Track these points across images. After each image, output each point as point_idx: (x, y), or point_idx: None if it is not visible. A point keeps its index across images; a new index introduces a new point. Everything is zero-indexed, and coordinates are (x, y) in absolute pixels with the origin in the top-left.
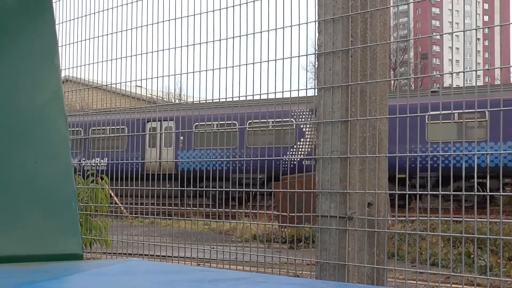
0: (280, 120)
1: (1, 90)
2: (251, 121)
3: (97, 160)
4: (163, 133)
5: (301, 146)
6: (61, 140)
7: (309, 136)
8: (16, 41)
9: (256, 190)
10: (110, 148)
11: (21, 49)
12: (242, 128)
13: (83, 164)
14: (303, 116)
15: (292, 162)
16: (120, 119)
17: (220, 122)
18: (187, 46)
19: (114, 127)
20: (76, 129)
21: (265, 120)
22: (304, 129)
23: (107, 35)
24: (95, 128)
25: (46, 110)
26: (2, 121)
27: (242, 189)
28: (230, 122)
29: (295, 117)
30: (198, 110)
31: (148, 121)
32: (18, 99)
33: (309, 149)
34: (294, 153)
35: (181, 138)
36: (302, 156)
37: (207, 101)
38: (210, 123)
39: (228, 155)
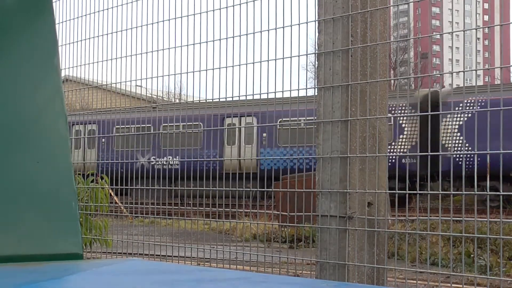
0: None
1: (1, 90)
2: None
3: (169, 158)
4: (243, 129)
5: (400, 143)
6: (61, 140)
7: (409, 132)
8: (16, 41)
9: (256, 189)
10: (183, 146)
11: (21, 49)
12: None
13: (153, 163)
14: (403, 111)
15: (389, 160)
16: (193, 115)
17: (308, 118)
18: (187, 45)
19: (187, 123)
20: (147, 125)
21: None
22: (403, 125)
23: (107, 34)
24: (166, 124)
25: (46, 110)
26: (2, 121)
27: (242, 189)
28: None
29: (393, 112)
30: (281, 105)
31: (227, 117)
32: (18, 99)
33: (409, 146)
34: (392, 150)
35: (264, 135)
36: (401, 153)
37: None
38: (296, 118)
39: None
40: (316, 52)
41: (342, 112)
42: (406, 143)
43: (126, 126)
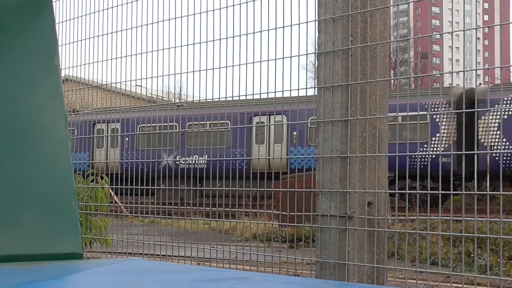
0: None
1: (1, 89)
2: None
3: (195, 157)
4: (272, 128)
5: (436, 142)
6: (61, 140)
7: (445, 130)
8: (16, 41)
9: (256, 189)
10: (210, 145)
11: (21, 49)
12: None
13: (179, 162)
14: (439, 109)
15: (424, 160)
16: (219, 113)
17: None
18: (187, 45)
19: (215, 122)
20: (171, 124)
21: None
22: (439, 123)
23: (107, 34)
24: (191, 123)
25: (46, 110)
26: (2, 120)
27: (242, 188)
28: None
29: (428, 110)
30: (314, 103)
31: (255, 115)
32: (18, 99)
33: (446, 145)
34: (426, 150)
35: (295, 133)
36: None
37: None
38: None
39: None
40: (316, 51)
41: (342, 112)
42: (443, 142)
43: (152, 125)
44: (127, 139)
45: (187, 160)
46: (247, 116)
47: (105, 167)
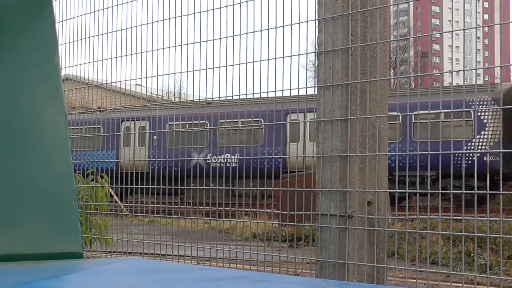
0: (454, 110)
1: (1, 89)
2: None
3: (227, 156)
4: (308, 125)
5: (481, 140)
6: (61, 139)
7: (492, 128)
8: (16, 40)
9: (256, 188)
10: (244, 143)
11: (21, 48)
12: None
13: (209, 161)
14: (485, 106)
15: (469, 158)
16: (253, 110)
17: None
18: (187, 44)
19: (248, 119)
20: (202, 121)
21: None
22: (485, 121)
23: (107, 33)
24: (223, 120)
25: (46, 109)
26: (2, 120)
27: (242, 188)
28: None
29: (473, 107)
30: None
31: (289, 113)
32: (18, 98)
33: (491, 143)
34: (471, 148)
35: None
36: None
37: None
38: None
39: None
40: (316, 51)
41: (342, 111)
42: (489, 140)
43: (181, 122)
44: (155, 137)
45: (218, 159)
46: (283, 113)
47: (133, 166)
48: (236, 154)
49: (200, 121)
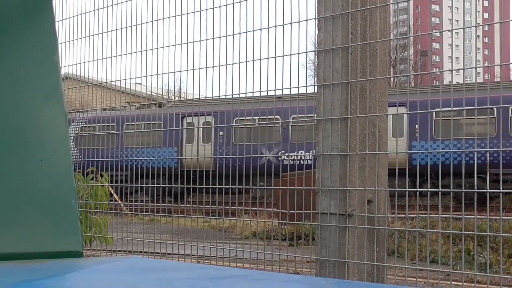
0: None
1: (1, 88)
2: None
3: (301, 152)
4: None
5: None
6: (61, 138)
7: None
8: (16, 40)
9: (256, 187)
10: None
11: (21, 47)
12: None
13: (282, 158)
14: None
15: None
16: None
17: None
18: (187, 43)
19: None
20: (271, 116)
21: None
22: None
23: (106, 32)
24: (295, 116)
25: (46, 108)
26: (2, 119)
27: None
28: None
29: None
30: (439, 93)
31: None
32: (18, 97)
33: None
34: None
35: (416, 126)
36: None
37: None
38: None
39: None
40: (316, 49)
41: (342, 110)
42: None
43: (250, 117)
44: (221, 133)
45: (291, 156)
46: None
47: (197, 164)
48: (311, 151)
49: (270, 116)
